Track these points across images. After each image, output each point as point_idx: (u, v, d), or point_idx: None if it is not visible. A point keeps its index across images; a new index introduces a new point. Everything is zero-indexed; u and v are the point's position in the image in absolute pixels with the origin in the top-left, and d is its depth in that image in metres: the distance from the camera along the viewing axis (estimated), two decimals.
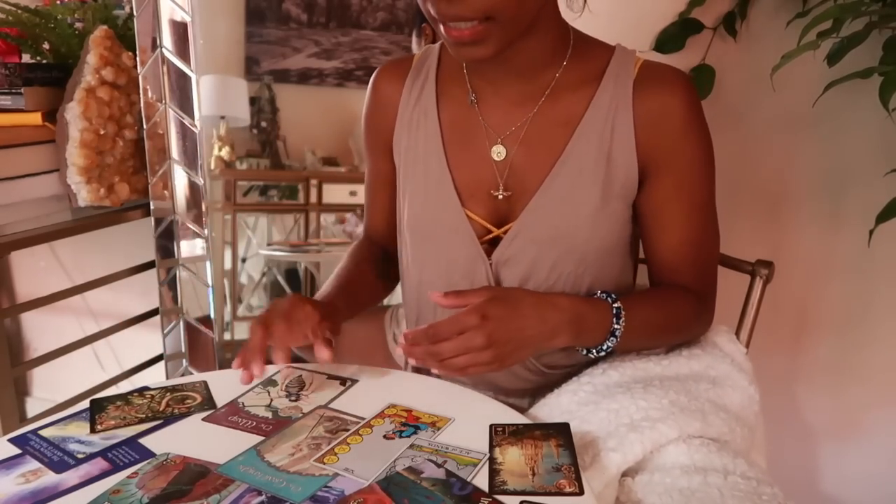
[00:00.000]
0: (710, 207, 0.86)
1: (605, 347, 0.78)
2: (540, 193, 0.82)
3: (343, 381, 0.80)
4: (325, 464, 0.64)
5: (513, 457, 0.65)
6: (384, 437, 0.68)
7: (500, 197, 0.84)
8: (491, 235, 0.85)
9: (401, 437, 0.68)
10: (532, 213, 0.82)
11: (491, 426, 0.70)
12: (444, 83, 0.88)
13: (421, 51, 0.92)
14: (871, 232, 1.08)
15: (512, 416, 0.73)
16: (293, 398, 0.77)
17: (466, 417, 0.72)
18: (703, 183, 0.84)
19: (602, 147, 0.81)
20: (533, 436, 0.68)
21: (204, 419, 0.73)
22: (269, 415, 0.73)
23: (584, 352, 0.80)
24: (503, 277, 0.85)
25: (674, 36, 1.29)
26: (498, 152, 0.84)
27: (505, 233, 0.84)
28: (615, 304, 0.77)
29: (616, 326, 0.77)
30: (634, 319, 0.78)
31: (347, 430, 0.70)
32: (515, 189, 0.84)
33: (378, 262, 0.99)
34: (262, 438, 0.69)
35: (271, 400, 0.77)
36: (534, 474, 0.62)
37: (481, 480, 0.61)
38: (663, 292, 0.85)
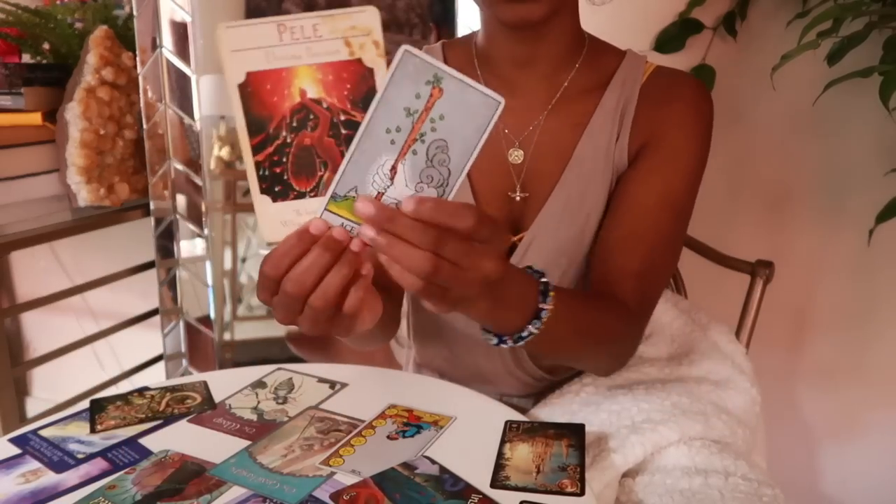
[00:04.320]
0: (680, 217, 0.78)
1: (524, 334, 0.60)
2: (552, 200, 0.81)
3: (332, 384, 0.80)
4: (330, 465, 0.63)
5: (521, 453, 0.65)
6: (387, 437, 0.68)
7: (518, 199, 0.82)
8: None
9: (404, 437, 0.68)
10: (544, 219, 0.81)
11: (506, 422, 0.70)
12: None
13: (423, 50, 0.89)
14: (871, 232, 1.08)
15: (514, 415, 0.73)
16: (280, 401, 0.76)
17: (468, 416, 0.72)
18: (682, 184, 0.78)
19: (609, 149, 0.80)
20: (546, 434, 0.68)
21: (189, 420, 0.72)
22: (255, 417, 0.73)
23: (495, 341, 0.62)
24: None
25: (674, 36, 1.29)
26: (516, 155, 0.82)
27: (518, 240, 0.83)
28: (542, 280, 0.61)
29: (543, 306, 0.60)
30: (562, 307, 0.61)
31: (340, 431, 0.70)
32: (531, 192, 0.82)
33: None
34: (248, 441, 0.68)
35: (258, 402, 0.76)
36: (538, 472, 0.62)
37: (485, 474, 0.61)
38: (596, 294, 0.74)
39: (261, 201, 0.51)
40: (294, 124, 0.49)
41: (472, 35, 0.87)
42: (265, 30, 0.47)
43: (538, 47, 0.79)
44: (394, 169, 0.49)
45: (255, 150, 0.49)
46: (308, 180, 0.50)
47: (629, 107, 0.80)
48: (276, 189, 0.50)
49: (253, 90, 0.49)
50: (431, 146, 0.48)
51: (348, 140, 0.49)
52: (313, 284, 0.49)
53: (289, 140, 0.50)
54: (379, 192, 0.49)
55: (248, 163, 0.50)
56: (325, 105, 0.49)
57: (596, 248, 0.79)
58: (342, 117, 0.49)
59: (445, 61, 0.85)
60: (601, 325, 0.70)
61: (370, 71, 0.48)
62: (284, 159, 0.50)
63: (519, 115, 0.82)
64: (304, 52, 0.48)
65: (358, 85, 0.48)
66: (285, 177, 0.50)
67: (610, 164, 0.80)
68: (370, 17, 0.47)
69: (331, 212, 0.50)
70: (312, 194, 0.50)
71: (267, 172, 0.50)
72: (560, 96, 0.81)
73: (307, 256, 0.49)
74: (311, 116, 0.49)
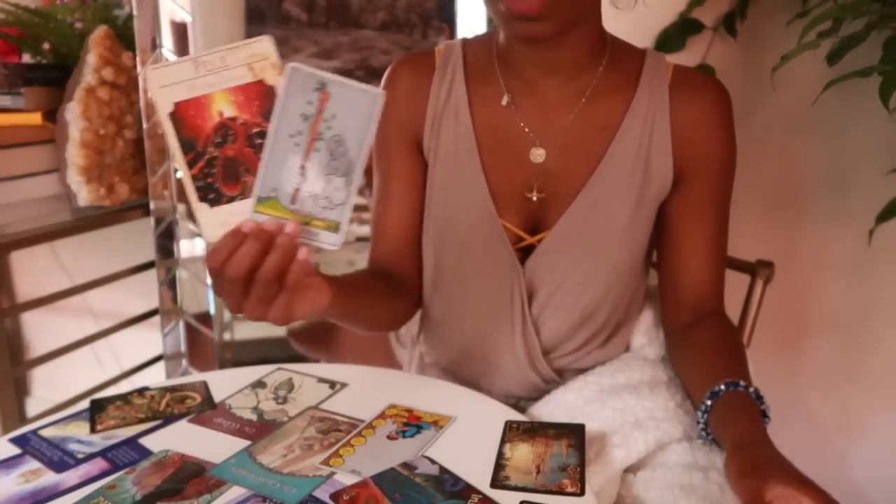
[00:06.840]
0: (728, 207, 0.87)
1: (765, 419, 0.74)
2: (577, 201, 0.80)
3: (332, 384, 0.80)
4: (330, 465, 0.63)
5: (521, 453, 0.65)
6: (387, 437, 0.68)
7: (535, 199, 0.82)
8: (524, 243, 0.83)
9: (404, 437, 0.68)
10: (568, 220, 0.81)
11: (506, 422, 0.70)
12: (472, 83, 0.84)
13: (440, 47, 0.87)
14: (871, 232, 1.08)
15: (514, 415, 0.73)
16: (280, 401, 0.77)
17: (468, 416, 0.72)
18: (729, 182, 0.85)
19: (640, 154, 0.80)
20: (546, 434, 0.68)
21: (189, 420, 0.73)
22: (255, 417, 0.73)
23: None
24: (536, 285, 0.84)
25: (674, 36, 1.29)
26: (538, 154, 0.81)
27: (539, 241, 0.83)
28: (758, 399, 0.73)
29: (764, 407, 0.74)
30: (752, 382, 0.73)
31: (340, 431, 0.70)
32: (550, 193, 0.82)
33: (389, 282, 0.87)
34: (248, 441, 0.68)
35: (258, 402, 0.76)
36: (538, 472, 0.62)
37: (485, 474, 0.62)
38: (730, 344, 0.80)
39: (199, 208, 0.59)
40: (218, 140, 0.58)
41: (494, 34, 0.85)
42: (184, 66, 0.58)
43: (558, 53, 0.78)
44: (303, 167, 0.57)
45: (190, 165, 0.59)
46: (235, 185, 0.59)
47: (661, 111, 0.80)
48: (211, 196, 0.59)
49: (180, 116, 0.59)
50: (330, 142, 0.57)
51: (262, 148, 0.57)
52: (249, 267, 0.57)
53: (215, 154, 0.58)
54: (296, 189, 0.58)
55: (185, 177, 0.59)
56: (240, 121, 0.58)
57: (673, 263, 0.85)
58: (255, 129, 0.58)
59: (465, 59, 0.85)
60: (742, 352, 0.79)
61: (272, 88, 0.58)
62: (214, 170, 0.59)
63: (541, 113, 0.81)
64: (217, 80, 0.58)
65: (264, 101, 0.58)
66: (217, 185, 0.59)
67: (641, 168, 0.80)
68: (266, 45, 0.57)
69: (259, 212, 0.58)
70: (241, 197, 0.59)
71: (202, 183, 0.59)
72: (587, 97, 0.80)
73: (242, 246, 0.57)
74: (231, 132, 0.58)
